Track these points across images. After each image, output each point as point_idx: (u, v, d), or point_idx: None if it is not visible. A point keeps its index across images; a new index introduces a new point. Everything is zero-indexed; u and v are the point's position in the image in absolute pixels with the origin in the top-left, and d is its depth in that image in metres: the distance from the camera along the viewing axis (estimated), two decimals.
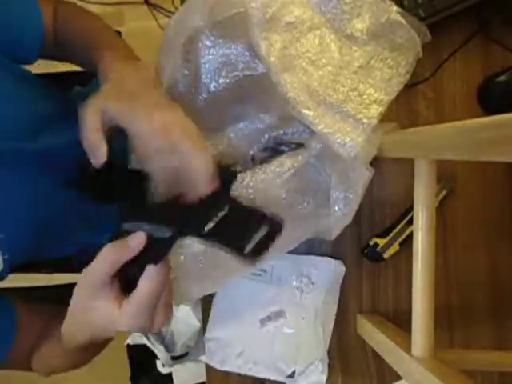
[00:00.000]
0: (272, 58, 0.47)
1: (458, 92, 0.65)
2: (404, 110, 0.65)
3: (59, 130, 0.61)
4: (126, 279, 0.40)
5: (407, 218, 0.63)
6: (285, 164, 0.49)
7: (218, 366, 0.64)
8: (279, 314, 0.63)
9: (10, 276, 0.56)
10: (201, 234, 0.40)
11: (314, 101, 0.48)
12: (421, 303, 0.49)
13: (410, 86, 0.64)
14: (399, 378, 0.63)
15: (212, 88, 0.54)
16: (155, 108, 0.42)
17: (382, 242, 0.63)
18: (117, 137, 0.43)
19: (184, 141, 0.41)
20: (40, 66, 0.64)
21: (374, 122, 0.49)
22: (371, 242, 0.64)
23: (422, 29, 0.51)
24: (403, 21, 0.50)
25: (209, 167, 0.41)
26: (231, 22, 0.49)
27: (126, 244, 0.39)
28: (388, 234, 0.63)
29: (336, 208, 0.53)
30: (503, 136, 0.30)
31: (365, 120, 0.48)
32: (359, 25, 0.51)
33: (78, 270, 0.43)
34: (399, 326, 0.60)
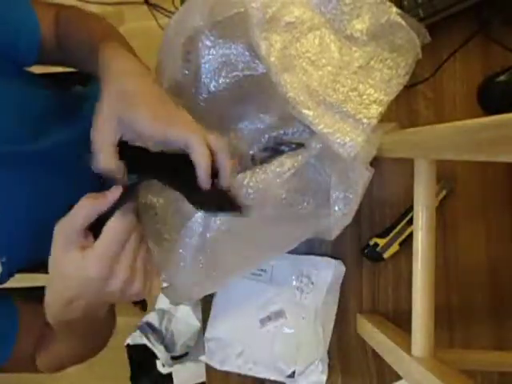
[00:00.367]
0: (272, 58, 0.47)
1: (458, 92, 0.65)
2: (404, 109, 0.65)
3: (59, 130, 0.61)
4: (98, 233, 0.40)
5: (407, 218, 0.63)
6: (285, 164, 0.49)
7: (218, 366, 0.64)
8: (279, 314, 0.63)
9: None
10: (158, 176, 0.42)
11: (313, 101, 0.48)
12: (421, 303, 0.49)
13: (409, 86, 0.64)
14: (399, 378, 0.63)
15: (212, 88, 0.54)
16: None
17: (382, 242, 0.63)
18: None
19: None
20: (40, 66, 0.64)
21: (374, 122, 0.49)
22: (371, 242, 0.64)
23: (421, 30, 0.51)
24: (403, 22, 0.50)
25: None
26: (231, 22, 0.49)
27: (100, 195, 0.40)
28: (388, 234, 0.63)
29: (336, 208, 0.53)
30: (503, 136, 0.30)
31: (364, 120, 0.48)
32: (359, 25, 0.51)
33: None
34: (399, 326, 0.59)
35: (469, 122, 0.35)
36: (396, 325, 0.60)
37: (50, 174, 0.58)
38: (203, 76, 0.54)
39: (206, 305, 0.66)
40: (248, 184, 0.49)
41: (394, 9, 0.50)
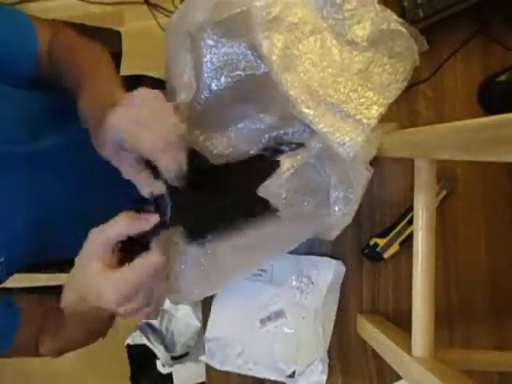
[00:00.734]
0: (273, 57, 0.47)
1: (458, 92, 0.65)
2: (404, 109, 0.65)
3: (58, 131, 0.61)
4: (124, 254, 0.42)
5: (407, 218, 0.63)
6: (285, 164, 0.50)
7: (218, 366, 0.64)
8: (279, 314, 0.63)
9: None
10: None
11: (314, 100, 0.48)
12: (421, 303, 0.49)
13: (410, 86, 0.64)
14: (399, 378, 0.63)
15: (214, 87, 0.54)
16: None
17: (381, 242, 0.63)
18: None
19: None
20: None
21: (374, 122, 0.49)
22: (371, 242, 0.64)
23: (419, 38, 0.52)
24: (403, 29, 0.50)
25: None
26: (234, 20, 0.49)
27: (142, 217, 0.41)
28: (388, 234, 0.63)
29: (336, 208, 0.53)
30: (503, 136, 0.30)
31: (364, 120, 0.48)
32: (360, 31, 0.51)
33: None
34: (399, 326, 0.59)
35: (469, 121, 0.35)
36: (396, 325, 0.60)
37: (50, 175, 0.58)
38: (205, 75, 0.54)
39: (206, 305, 0.66)
40: None
41: (394, 16, 0.51)
